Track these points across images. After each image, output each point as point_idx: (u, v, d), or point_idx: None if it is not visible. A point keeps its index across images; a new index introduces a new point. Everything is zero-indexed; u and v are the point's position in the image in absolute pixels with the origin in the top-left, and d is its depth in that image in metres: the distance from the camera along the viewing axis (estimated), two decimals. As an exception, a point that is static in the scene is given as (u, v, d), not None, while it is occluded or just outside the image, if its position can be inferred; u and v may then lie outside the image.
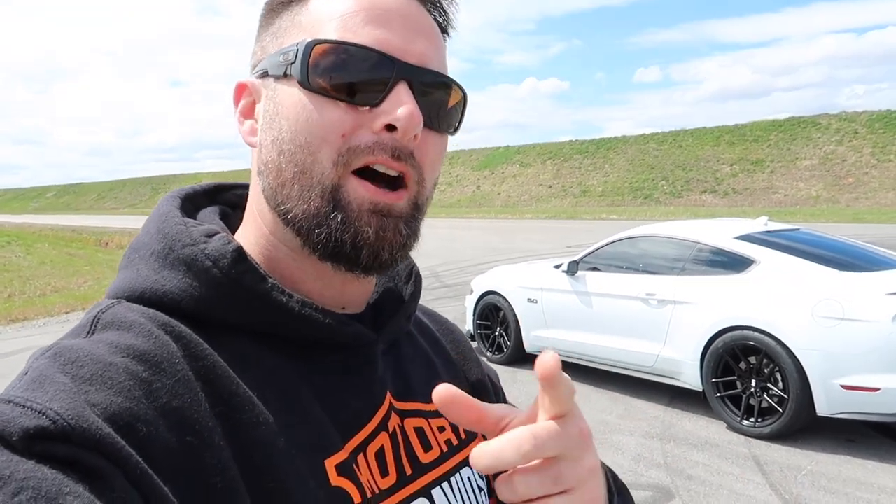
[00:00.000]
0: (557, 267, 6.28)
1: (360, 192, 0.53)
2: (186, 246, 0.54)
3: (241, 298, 0.53)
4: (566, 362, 6.15)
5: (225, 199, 0.69)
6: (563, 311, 6.03)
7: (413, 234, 0.57)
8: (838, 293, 4.30)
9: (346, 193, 0.53)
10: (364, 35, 0.54)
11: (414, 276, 0.70)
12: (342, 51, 0.53)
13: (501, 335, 6.63)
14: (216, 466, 0.45)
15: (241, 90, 0.61)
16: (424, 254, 0.57)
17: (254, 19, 0.63)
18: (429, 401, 0.64)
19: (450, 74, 0.60)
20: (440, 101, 0.58)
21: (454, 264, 14.60)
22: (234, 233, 0.62)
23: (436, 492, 0.62)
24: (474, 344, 7.02)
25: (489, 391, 0.78)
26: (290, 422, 0.52)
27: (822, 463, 4.11)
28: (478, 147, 61.90)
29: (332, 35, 0.54)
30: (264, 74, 0.58)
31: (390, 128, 0.53)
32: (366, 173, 0.54)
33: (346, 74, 0.53)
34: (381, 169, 0.54)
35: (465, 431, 0.68)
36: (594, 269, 5.94)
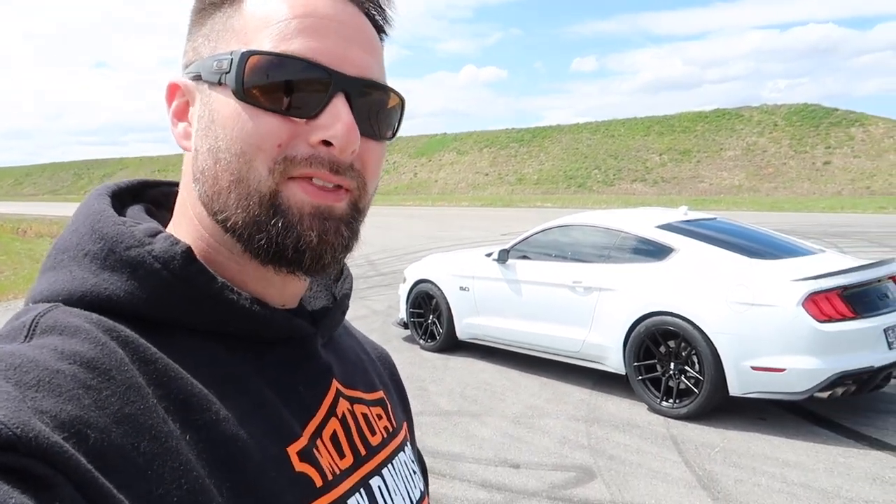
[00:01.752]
0: (489, 255, 6.39)
1: (300, 196, 0.53)
2: (131, 248, 0.53)
3: (192, 299, 0.53)
4: (497, 349, 6.29)
5: (150, 196, 0.67)
6: (494, 299, 6.14)
7: (354, 235, 0.58)
8: (749, 280, 4.54)
9: (286, 199, 0.53)
10: (299, 45, 0.52)
11: (345, 274, 0.72)
12: (277, 62, 0.52)
13: (434, 323, 6.70)
14: (177, 469, 0.45)
15: (173, 90, 0.59)
16: (360, 241, 0.60)
17: (184, 4, 0.60)
18: (368, 390, 0.70)
19: (389, 60, 0.59)
20: (378, 109, 0.57)
21: (390, 252, 14.58)
22: None
23: (385, 472, 0.65)
24: (408, 332, 7.08)
25: (401, 388, 0.84)
26: (249, 414, 0.52)
27: (734, 440, 4.36)
28: (415, 134, 61.64)
29: (266, 44, 0.52)
30: (198, 77, 0.56)
31: (327, 143, 0.53)
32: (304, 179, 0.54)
33: (282, 86, 0.52)
34: (319, 182, 0.53)
35: (395, 419, 0.72)
36: (524, 257, 6.07)
